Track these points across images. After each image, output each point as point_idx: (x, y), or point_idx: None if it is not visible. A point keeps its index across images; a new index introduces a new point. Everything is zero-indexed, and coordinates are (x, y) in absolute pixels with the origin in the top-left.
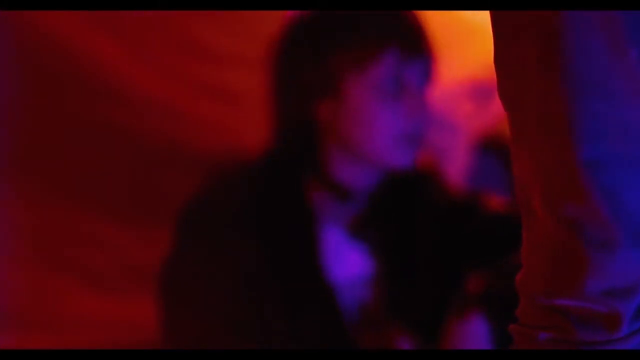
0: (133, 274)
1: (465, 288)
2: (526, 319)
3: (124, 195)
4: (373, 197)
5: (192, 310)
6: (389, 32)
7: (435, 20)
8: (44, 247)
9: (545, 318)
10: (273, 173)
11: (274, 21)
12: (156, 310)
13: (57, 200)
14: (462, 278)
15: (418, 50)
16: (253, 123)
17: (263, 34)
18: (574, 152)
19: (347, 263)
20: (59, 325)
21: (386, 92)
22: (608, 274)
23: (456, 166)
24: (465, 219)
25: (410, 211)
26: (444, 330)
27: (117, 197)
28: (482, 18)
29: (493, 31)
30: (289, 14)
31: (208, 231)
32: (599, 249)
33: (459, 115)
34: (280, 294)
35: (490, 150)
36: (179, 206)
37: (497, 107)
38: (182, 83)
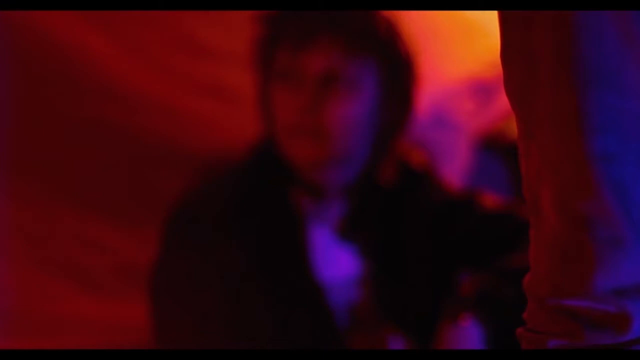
0: (129, 274)
1: (459, 290)
2: (534, 323)
3: (120, 195)
4: (362, 197)
5: (181, 311)
6: (287, 22)
7: (437, 20)
8: (40, 249)
9: (553, 321)
10: (259, 173)
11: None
12: (149, 311)
13: (53, 201)
14: (455, 279)
15: (313, 40)
16: (248, 120)
17: (257, 30)
18: (584, 145)
19: (337, 263)
20: (55, 326)
21: (283, 81)
22: (617, 272)
23: (456, 164)
24: (459, 218)
25: (401, 211)
26: (437, 331)
27: (113, 198)
28: (484, 17)
29: (500, 25)
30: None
31: (196, 232)
32: (608, 246)
33: (460, 114)
34: (270, 295)
35: (491, 148)
36: (167, 207)
37: (498, 105)
38: (177, 81)
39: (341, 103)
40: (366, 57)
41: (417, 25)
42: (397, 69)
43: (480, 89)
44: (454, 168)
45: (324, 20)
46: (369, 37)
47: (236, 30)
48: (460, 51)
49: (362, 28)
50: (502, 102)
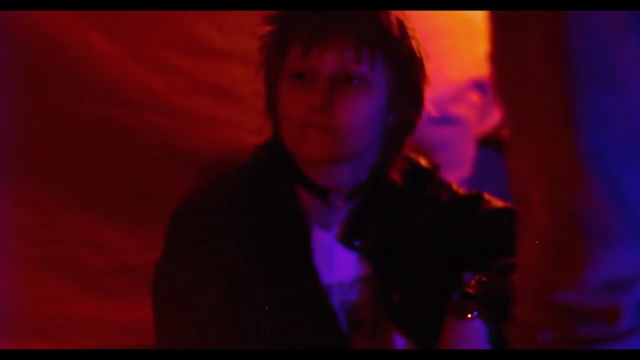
0: (130, 274)
1: (464, 288)
2: (525, 319)
3: (120, 195)
4: (368, 196)
5: (184, 311)
6: (297, 22)
7: (441, 19)
8: (40, 249)
9: (544, 316)
10: (264, 174)
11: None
12: (151, 311)
13: (54, 201)
14: (460, 278)
15: (325, 40)
16: (249, 120)
17: (258, 29)
18: (575, 141)
19: (341, 264)
20: (55, 326)
21: (293, 80)
22: (608, 266)
23: (460, 161)
24: (465, 218)
25: (408, 210)
26: (442, 330)
27: (114, 198)
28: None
29: (491, 25)
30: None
31: (200, 233)
32: (598, 240)
33: (464, 111)
34: (273, 295)
35: (495, 146)
36: (168, 207)
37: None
38: (178, 80)
39: (352, 101)
40: (377, 55)
41: (420, 24)
42: (407, 68)
43: (483, 87)
44: (458, 165)
45: (335, 19)
46: (380, 36)
47: (236, 30)
48: (464, 50)
49: (373, 27)
50: None
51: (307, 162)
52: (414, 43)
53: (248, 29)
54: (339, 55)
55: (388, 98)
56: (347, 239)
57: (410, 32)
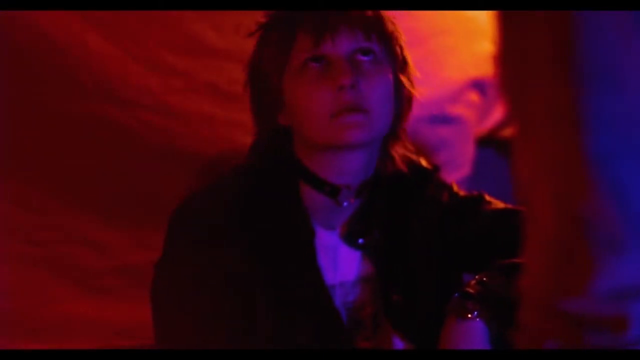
0: (129, 275)
1: (464, 288)
2: (531, 325)
3: (120, 195)
4: (371, 197)
5: (184, 311)
6: (298, 16)
7: (443, 20)
8: (40, 249)
9: (551, 324)
10: (264, 175)
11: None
12: (151, 311)
13: (53, 201)
14: (461, 278)
15: (335, 28)
16: (246, 118)
17: (255, 28)
18: (581, 145)
19: (344, 263)
20: (55, 327)
21: (309, 73)
22: (615, 274)
23: (460, 161)
24: (466, 218)
25: (409, 210)
26: (442, 330)
27: (114, 198)
28: (488, 16)
29: (499, 25)
30: None
31: (200, 234)
32: (606, 248)
33: (465, 111)
34: (274, 296)
35: (495, 146)
36: (168, 207)
37: (500, 102)
38: (177, 80)
39: (374, 78)
40: (382, 44)
41: (420, 24)
42: (402, 65)
43: (483, 87)
44: (458, 165)
45: (340, 14)
46: (384, 29)
47: (234, 30)
48: (464, 50)
49: (377, 19)
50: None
51: (342, 148)
52: (402, 43)
53: (245, 29)
54: (352, 37)
55: (394, 81)
56: (351, 237)
57: (399, 31)
